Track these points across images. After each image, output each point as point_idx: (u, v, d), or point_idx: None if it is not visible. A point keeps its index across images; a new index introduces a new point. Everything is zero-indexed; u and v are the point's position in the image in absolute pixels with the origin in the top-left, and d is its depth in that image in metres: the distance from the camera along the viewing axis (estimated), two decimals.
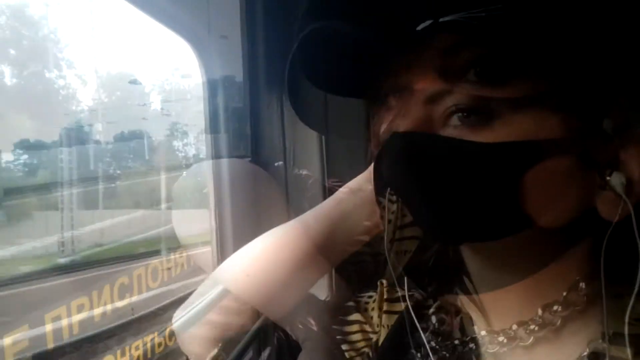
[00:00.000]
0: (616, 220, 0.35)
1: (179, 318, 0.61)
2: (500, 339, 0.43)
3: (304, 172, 0.79)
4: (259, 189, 0.82)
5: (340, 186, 0.60)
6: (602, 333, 0.36)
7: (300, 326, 0.59)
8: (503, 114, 0.33)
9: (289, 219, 0.60)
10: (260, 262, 0.58)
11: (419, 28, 0.33)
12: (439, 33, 0.34)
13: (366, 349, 0.56)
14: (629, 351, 0.34)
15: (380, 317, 0.57)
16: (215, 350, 0.57)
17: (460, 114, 0.35)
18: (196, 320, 0.59)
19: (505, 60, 0.33)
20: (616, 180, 0.34)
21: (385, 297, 0.58)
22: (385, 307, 0.57)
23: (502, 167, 0.34)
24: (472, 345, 0.46)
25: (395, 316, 0.55)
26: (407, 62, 0.37)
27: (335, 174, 0.80)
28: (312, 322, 0.60)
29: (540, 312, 0.40)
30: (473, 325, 0.48)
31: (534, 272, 0.40)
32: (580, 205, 0.36)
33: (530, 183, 0.33)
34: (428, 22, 0.32)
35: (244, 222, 0.81)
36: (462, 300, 0.50)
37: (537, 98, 0.33)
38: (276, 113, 0.88)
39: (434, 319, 0.50)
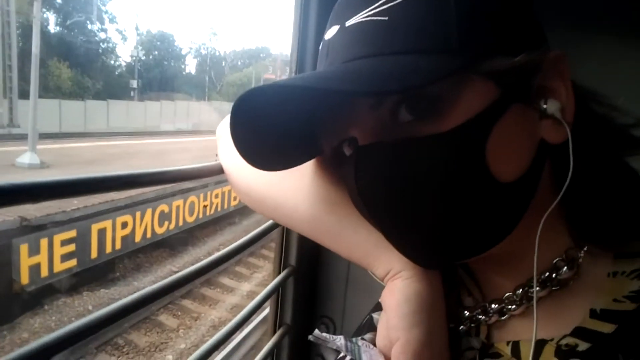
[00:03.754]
0: (560, 142, 0.37)
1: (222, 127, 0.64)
2: (476, 312, 0.45)
3: None
4: None
5: None
6: (590, 310, 0.37)
7: None
8: (446, 102, 0.35)
9: None
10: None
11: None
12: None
13: None
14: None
15: None
16: None
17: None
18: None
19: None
20: (552, 107, 0.37)
21: None
22: None
23: (467, 151, 0.35)
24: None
25: None
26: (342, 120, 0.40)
27: None
28: None
29: (519, 290, 0.41)
30: (469, 296, 0.48)
31: (510, 245, 0.40)
32: (533, 142, 0.38)
33: (496, 149, 0.35)
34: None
35: None
36: (461, 273, 0.50)
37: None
38: None
39: None
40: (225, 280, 7.79)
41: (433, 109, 0.35)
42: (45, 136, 14.06)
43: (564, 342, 0.37)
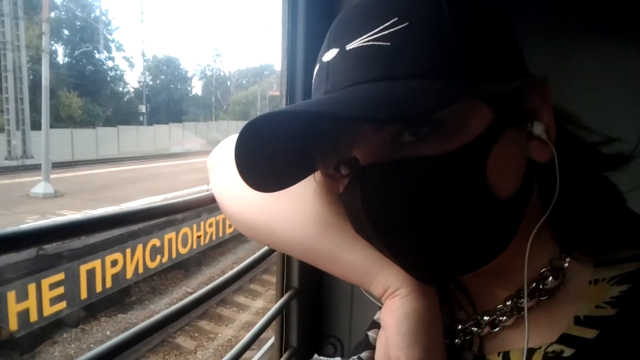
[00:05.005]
0: (545, 161, 0.39)
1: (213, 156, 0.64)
2: (468, 324, 0.46)
3: None
4: None
5: None
6: (574, 317, 0.38)
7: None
8: (450, 124, 0.36)
9: None
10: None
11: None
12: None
13: None
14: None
15: None
16: None
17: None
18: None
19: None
20: (538, 128, 0.39)
21: None
22: None
23: (471, 170, 0.36)
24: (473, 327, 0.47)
25: None
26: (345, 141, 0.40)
27: None
28: None
29: (509, 302, 0.42)
30: (461, 309, 0.49)
31: (501, 259, 0.40)
32: (523, 161, 0.40)
33: (495, 169, 0.37)
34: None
35: None
36: (451, 287, 0.51)
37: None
38: None
39: None
40: (241, 299, 7.77)
41: (438, 130, 0.36)
42: (58, 165, 14.33)
43: (550, 349, 0.38)
